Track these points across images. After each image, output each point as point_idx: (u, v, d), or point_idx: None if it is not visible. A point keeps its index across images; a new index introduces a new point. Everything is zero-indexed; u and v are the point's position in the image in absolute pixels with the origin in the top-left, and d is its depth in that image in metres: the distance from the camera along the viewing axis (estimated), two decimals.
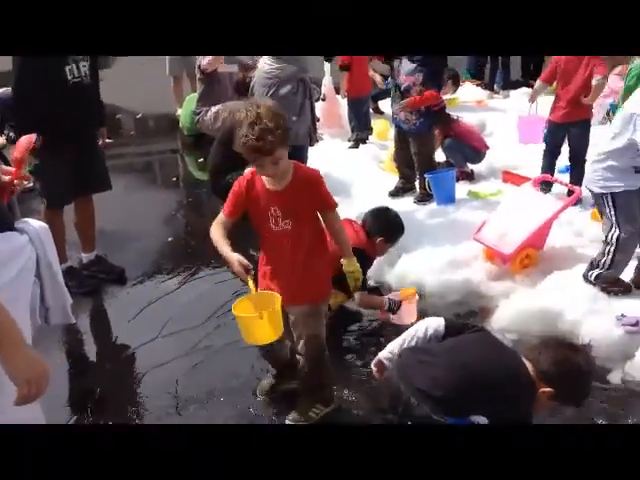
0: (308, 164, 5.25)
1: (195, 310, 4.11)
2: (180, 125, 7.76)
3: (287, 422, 3.08)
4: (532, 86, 7.12)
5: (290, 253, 2.82)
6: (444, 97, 5.96)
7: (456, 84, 7.42)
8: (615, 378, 3.30)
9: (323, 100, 7.23)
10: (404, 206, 5.01)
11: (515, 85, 8.62)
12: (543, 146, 5.23)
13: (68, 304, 2.60)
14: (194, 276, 4.60)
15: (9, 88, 4.27)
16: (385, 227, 3.89)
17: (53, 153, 4.00)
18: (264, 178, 2.75)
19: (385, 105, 7.14)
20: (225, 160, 5.18)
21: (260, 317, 2.54)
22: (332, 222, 2.88)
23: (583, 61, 4.81)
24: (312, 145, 5.13)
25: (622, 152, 3.51)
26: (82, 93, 4.06)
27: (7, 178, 2.72)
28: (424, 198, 5.23)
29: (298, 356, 3.11)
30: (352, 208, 4.74)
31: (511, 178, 5.40)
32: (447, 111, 5.74)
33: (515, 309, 3.78)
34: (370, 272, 4.04)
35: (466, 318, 3.85)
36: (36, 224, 2.45)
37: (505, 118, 7.06)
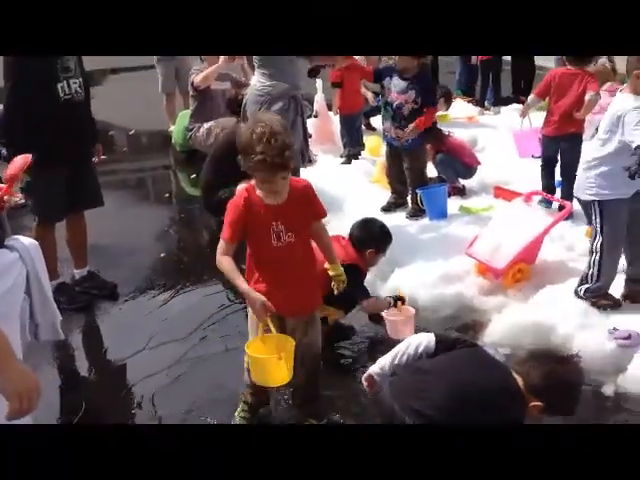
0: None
1: (186, 322, 4.11)
2: (173, 141, 7.78)
3: None
4: (522, 102, 7.19)
5: (291, 266, 2.82)
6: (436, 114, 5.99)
7: (448, 101, 7.48)
8: (608, 391, 3.31)
9: (315, 117, 7.27)
10: (396, 221, 5.02)
11: (506, 102, 8.67)
12: (537, 162, 5.27)
13: (57, 320, 2.60)
14: (186, 291, 4.58)
15: (0, 105, 4.27)
16: (374, 238, 3.90)
17: (45, 170, 3.99)
18: (260, 194, 2.72)
19: (377, 121, 7.17)
20: (217, 176, 5.21)
21: (279, 358, 2.55)
22: (321, 231, 2.95)
23: (577, 77, 4.88)
24: (305, 166, 5.13)
25: (614, 157, 3.50)
26: (73, 110, 4.06)
27: None
28: (416, 213, 5.24)
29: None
30: (344, 224, 4.72)
31: (502, 193, 5.42)
32: (439, 127, 5.78)
33: (508, 323, 3.78)
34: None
35: (459, 332, 3.85)
36: (26, 241, 2.45)
37: (496, 134, 7.10)
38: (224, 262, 2.70)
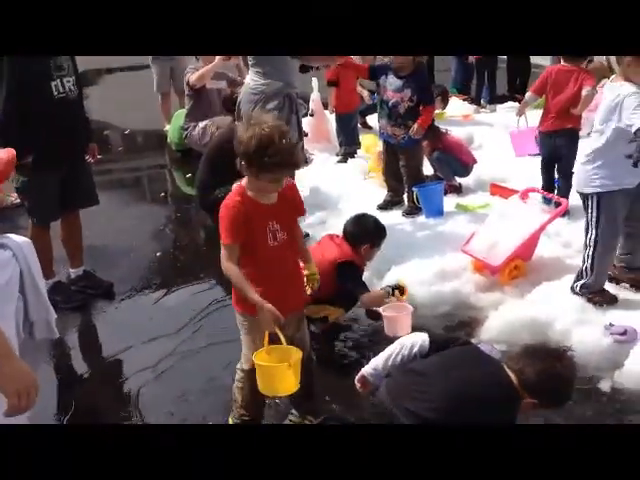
0: (297, 179, 5.27)
1: (182, 321, 4.12)
2: (168, 141, 7.77)
3: None
4: (518, 100, 7.21)
5: (285, 264, 2.82)
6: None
7: (445, 100, 7.49)
8: (605, 387, 3.31)
9: (311, 116, 7.27)
10: (393, 219, 5.03)
11: (501, 100, 8.70)
12: (533, 160, 5.28)
13: (52, 319, 2.60)
14: (182, 290, 4.58)
15: None
16: (368, 233, 3.88)
17: (40, 169, 3.99)
18: (254, 194, 2.69)
19: (373, 120, 7.18)
20: (213, 175, 5.20)
21: (289, 366, 2.54)
22: (299, 228, 2.97)
23: (573, 74, 4.90)
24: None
25: (612, 146, 3.48)
26: (68, 108, 4.05)
27: None
28: (412, 211, 5.25)
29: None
30: (340, 222, 4.72)
31: (499, 191, 5.43)
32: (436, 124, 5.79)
33: (504, 320, 3.78)
34: None
35: (456, 329, 3.86)
36: (19, 239, 2.44)
37: (492, 132, 7.12)
38: (233, 270, 2.64)
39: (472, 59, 8.59)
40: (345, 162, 6.66)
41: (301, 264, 2.97)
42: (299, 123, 4.90)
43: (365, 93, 7.54)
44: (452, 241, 4.55)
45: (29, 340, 2.48)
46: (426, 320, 3.90)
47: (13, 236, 2.44)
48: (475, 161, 5.81)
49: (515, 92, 8.77)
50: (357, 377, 2.71)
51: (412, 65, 4.99)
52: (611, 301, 3.82)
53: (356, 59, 6.63)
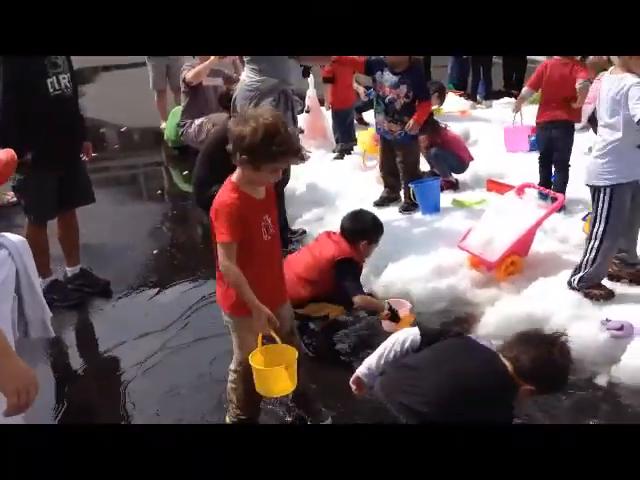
0: (292, 174, 5.28)
1: (177, 316, 4.16)
2: (165, 138, 7.76)
3: None
4: (514, 96, 7.21)
5: (275, 257, 2.84)
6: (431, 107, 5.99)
7: (442, 96, 7.49)
8: (602, 382, 3.32)
9: (307, 112, 7.25)
10: (389, 215, 5.03)
11: (497, 95, 8.71)
12: (529, 155, 5.28)
13: (48, 318, 2.58)
14: (179, 287, 4.58)
15: None
16: (366, 230, 3.88)
17: (39, 168, 3.98)
18: (247, 189, 2.66)
19: (369, 116, 7.17)
20: (210, 172, 5.17)
21: (285, 368, 2.55)
22: None
23: (567, 66, 4.93)
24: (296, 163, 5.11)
25: (626, 136, 3.49)
26: (63, 105, 4.04)
27: None
28: (409, 207, 5.25)
29: None
30: (337, 219, 4.72)
31: (495, 187, 5.43)
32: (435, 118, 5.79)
33: (501, 315, 3.79)
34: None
35: (452, 325, 3.86)
36: (14, 238, 2.43)
37: (488, 127, 7.12)
38: (234, 271, 2.61)
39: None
40: (342, 159, 6.65)
41: None
42: (295, 120, 4.89)
43: (361, 90, 7.53)
44: (448, 237, 4.55)
45: (24, 339, 2.48)
46: (423, 316, 3.91)
47: (9, 235, 2.43)
48: (472, 158, 5.82)
49: (511, 88, 8.78)
50: (352, 379, 2.69)
51: (407, 61, 4.99)
52: (608, 296, 3.82)
53: None
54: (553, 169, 5.19)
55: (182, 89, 7.10)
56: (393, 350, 2.58)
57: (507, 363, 2.43)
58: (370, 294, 4.12)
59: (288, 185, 5.11)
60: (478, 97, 8.62)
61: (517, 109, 5.66)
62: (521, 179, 5.02)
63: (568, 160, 5.02)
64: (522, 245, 4.26)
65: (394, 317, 3.61)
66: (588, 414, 3.13)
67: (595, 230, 3.73)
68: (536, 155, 5.37)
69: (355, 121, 7.34)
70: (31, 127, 3.91)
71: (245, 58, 4.71)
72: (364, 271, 4.15)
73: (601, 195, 3.68)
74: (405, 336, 2.61)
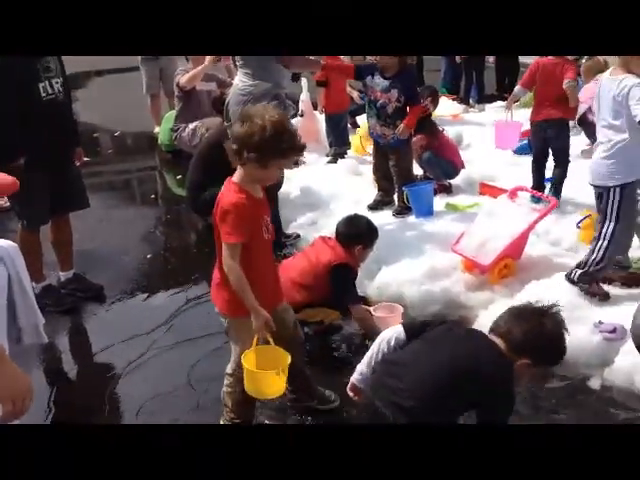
0: (286, 178, 5.28)
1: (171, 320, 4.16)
2: (158, 142, 7.76)
3: None
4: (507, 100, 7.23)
5: (271, 256, 2.87)
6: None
7: (435, 101, 7.48)
8: (594, 384, 3.33)
9: (301, 116, 7.27)
10: (383, 219, 5.03)
11: (490, 99, 8.75)
12: (522, 158, 5.30)
13: (41, 323, 2.58)
14: (173, 292, 4.57)
15: None
16: (361, 234, 3.89)
17: (31, 172, 3.96)
18: (250, 189, 2.67)
19: (363, 120, 7.19)
20: (203, 176, 5.19)
21: (277, 374, 2.56)
22: None
23: (559, 65, 4.96)
24: (290, 167, 5.13)
25: (632, 136, 3.51)
26: (56, 109, 4.04)
27: None
28: (403, 211, 5.25)
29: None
30: (331, 222, 4.74)
31: (488, 190, 5.45)
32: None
33: (494, 318, 3.78)
34: None
35: None
36: (6, 243, 2.43)
37: (481, 131, 7.15)
38: (237, 272, 2.60)
39: (459, 59, 8.62)
40: (335, 163, 6.66)
41: None
42: None
43: (355, 93, 7.54)
44: (442, 240, 4.56)
45: (17, 345, 2.47)
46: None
47: (0, 240, 2.42)
48: (464, 166, 5.81)
49: (504, 91, 8.81)
50: (349, 387, 2.68)
51: (397, 65, 5.00)
52: (604, 297, 3.83)
53: (343, 59, 6.64)
54: (546, 172, 5.21)
55: (176, 93, 7.11)
56: (381, 351, 2.57)
57: (498, 340, 2.39)
58: (364, 297, 4.14)
59: (282, 189, 5.11)
60: (471, 101, 8.66)
61: (509, 106, 5.71)
62: (514, 182, 5.04)
63: (567, 156, 5.05)
64: (515, 248, 4.27)
65: None
66: (581, 415, 3.13)
67: (604, 230, 3.72)
68: (529, 159, 5.39)
69: (349, 125, 7.35)
70: (22, 130, 3.90)
71: (238, 62, 4.71)
72: (359, 275, 4.16)
73: (610, 194, 3.67)
74: (390, 334, 2.59)
